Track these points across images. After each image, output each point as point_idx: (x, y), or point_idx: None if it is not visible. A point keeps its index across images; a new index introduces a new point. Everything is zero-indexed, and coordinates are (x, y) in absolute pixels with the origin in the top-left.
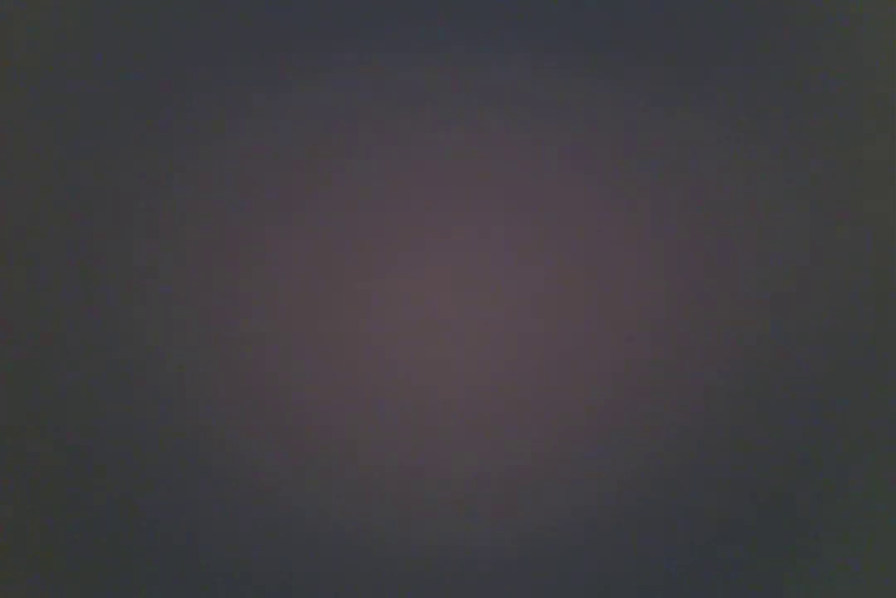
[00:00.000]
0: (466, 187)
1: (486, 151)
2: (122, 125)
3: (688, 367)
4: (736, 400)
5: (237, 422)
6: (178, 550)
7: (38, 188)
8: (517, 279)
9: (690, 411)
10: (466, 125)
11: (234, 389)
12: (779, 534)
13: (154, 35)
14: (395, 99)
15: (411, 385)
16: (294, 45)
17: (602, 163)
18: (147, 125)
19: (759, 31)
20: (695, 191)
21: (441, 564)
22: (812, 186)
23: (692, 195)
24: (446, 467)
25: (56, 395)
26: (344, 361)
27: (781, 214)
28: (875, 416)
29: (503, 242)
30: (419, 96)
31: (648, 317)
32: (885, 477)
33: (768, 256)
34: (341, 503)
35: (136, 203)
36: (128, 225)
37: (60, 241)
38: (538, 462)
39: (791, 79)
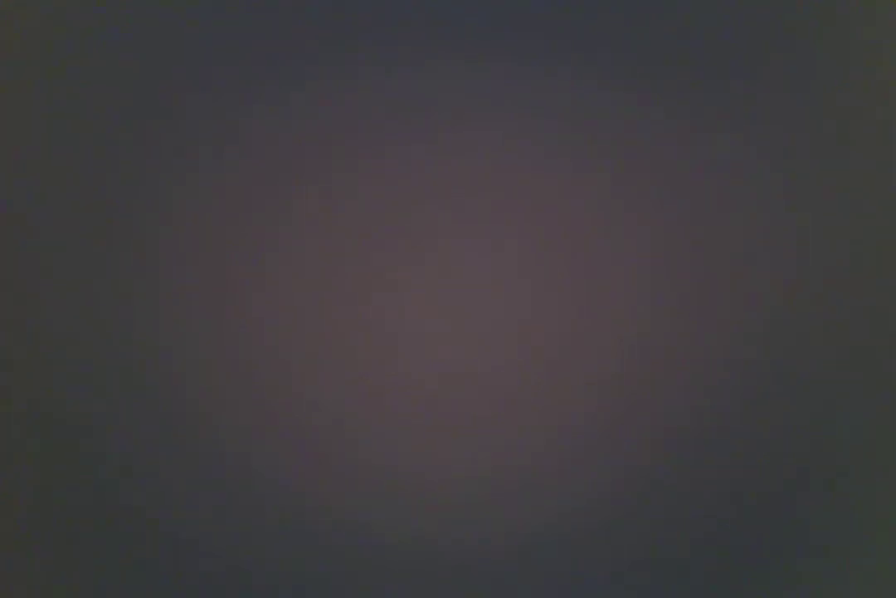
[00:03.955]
0: (469, 190)
1: (487, 155)
2: (122, 127)
3: (687, 367)
4: (736, 400)
5: (240, 422)
6: (181, 549)
7: (38, 193)
8: (518, 281)
9: (690, 411)
10: (467, 128)
11: (236, 389)
12: (778, 534)
13: (157, 37)
14: (396, 102)
15: (412, 386)
16: (295, 47)
17: (603, 166)
18: (150, 132)
19: (760, 31)
20: (694, 193)
21: (441, 563)
22: (812, 188)
23: (691, 197)
24: (447, 467)
25: (56, 398)
26: (344, 361)
27: (781, 218)
28: (875, 416)
29: (505, 246)
30: (420, 99)
31: (648, 318)
32: (886, 477)
33: (768, 258)
34: (343, 503)
35: (139, 208)
36: (130, 229)
37: (62, 245)
38: (538, 462)
39: (791, 80)
